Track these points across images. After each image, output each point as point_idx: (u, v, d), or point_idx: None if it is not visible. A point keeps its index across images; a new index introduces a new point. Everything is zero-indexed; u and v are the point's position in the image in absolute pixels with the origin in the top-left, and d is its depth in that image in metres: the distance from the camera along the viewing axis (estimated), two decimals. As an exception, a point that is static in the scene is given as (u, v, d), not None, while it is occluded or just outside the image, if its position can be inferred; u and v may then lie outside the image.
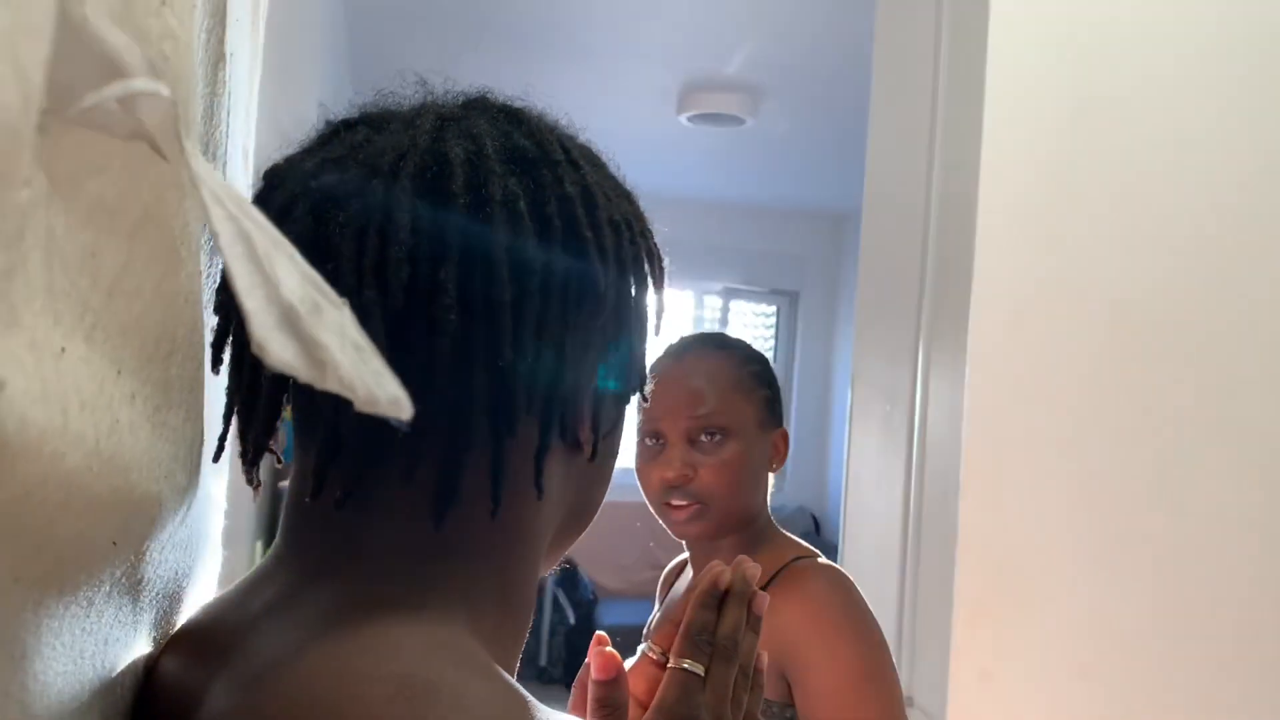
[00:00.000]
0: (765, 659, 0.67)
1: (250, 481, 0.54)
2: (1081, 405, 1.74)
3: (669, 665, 0.61)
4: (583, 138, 0.59)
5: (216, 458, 0.53)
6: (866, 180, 2.30)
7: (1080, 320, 1.75)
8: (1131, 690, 1.74)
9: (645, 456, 1.27)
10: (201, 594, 0.64)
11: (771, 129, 4.17)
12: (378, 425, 0.42)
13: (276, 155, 0.54)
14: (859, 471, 2.29)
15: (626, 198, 0.57)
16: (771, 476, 1.32)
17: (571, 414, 0.53)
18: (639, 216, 0.57)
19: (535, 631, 4.81)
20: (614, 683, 0.61)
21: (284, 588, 0.50)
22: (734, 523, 1.25)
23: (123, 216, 0.30)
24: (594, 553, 5.18)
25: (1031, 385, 1.74)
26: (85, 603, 0.40)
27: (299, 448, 0.53)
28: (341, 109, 0.56)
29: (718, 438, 1.24)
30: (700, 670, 0.60)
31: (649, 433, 1.26)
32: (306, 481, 0.49)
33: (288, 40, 2.28)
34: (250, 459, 0.52)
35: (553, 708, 0.46)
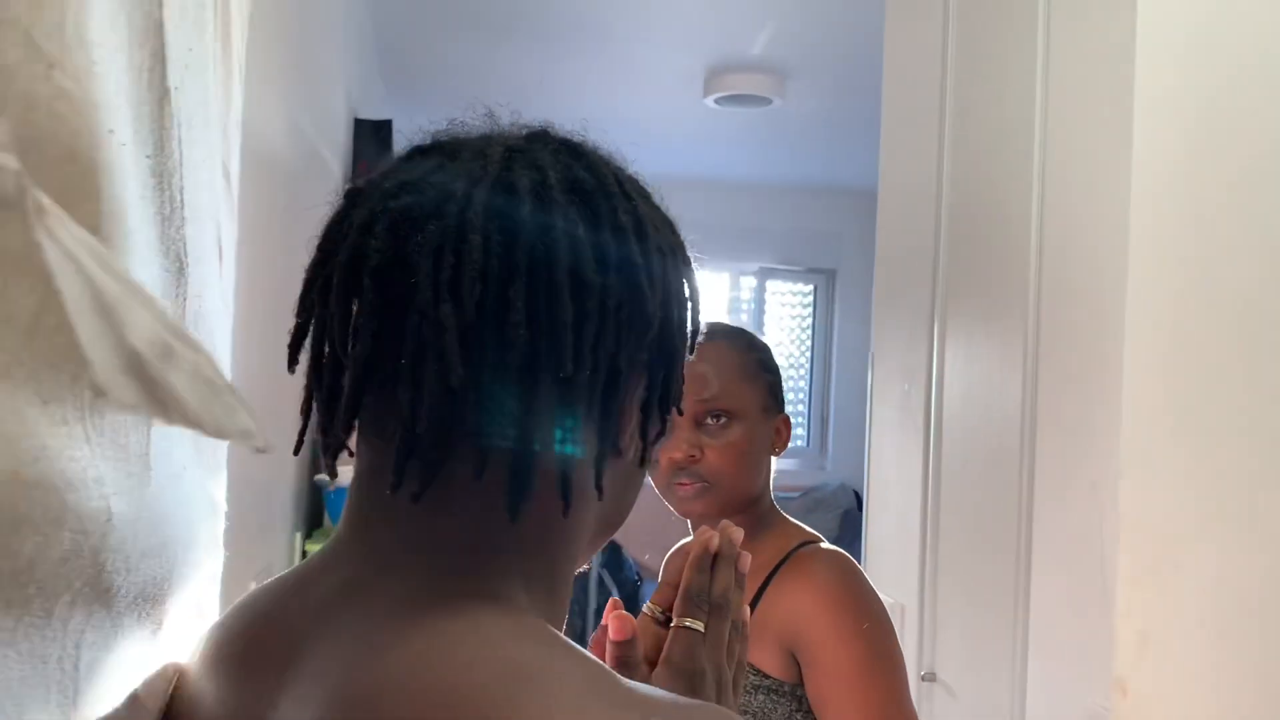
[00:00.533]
0: (748, 612, 0.73)
1: (331, 474, 0.59)
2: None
3: (673, 624, 0.67)
4: (631, 170, 0.64)
5: (297, 451, 0.58)
6: (881, 161, 2.30)
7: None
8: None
9: None
10: (192, 595, 0.68)
11: (799, 108, 4.15)
12: (449, 427, 0.51)
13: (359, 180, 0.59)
14: (880, 449, 2.30)
15: (670, 228, 0.63)
16: (774, 462, 1.36)
17: (623, 422, 0.58)
18: (681, 246, 0.63)
19: (581, 612, 4.87)
20: (630, 643, 0.66)
21: (350, 579, 0.54)
22: (737, 503, 1.29)
23: (30, 261, 0.33)
24: (638, 535, 5.20)
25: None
26: (43, 613, 0.43)
27: (367, 443, 0.57)
28: (419, 135, 0.62)
29: (723, 420, 1.28)
30: (700, 627, 0.66)
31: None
32: (383, 476, 0.53)
33: (309, 42, 2.32)
34: (332, 452, 0.57)
35: None
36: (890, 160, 2.30)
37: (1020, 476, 1.71)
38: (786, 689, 1.19)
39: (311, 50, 2.56)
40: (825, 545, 1.29)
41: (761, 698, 1.19)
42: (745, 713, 1.19)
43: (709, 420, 1.29)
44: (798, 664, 1.20)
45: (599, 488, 0.56)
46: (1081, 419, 1.54)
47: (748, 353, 1.34)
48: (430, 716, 0.44)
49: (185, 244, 0.58)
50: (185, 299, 0.63)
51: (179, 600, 0.63)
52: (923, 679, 2.01)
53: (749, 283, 6.12)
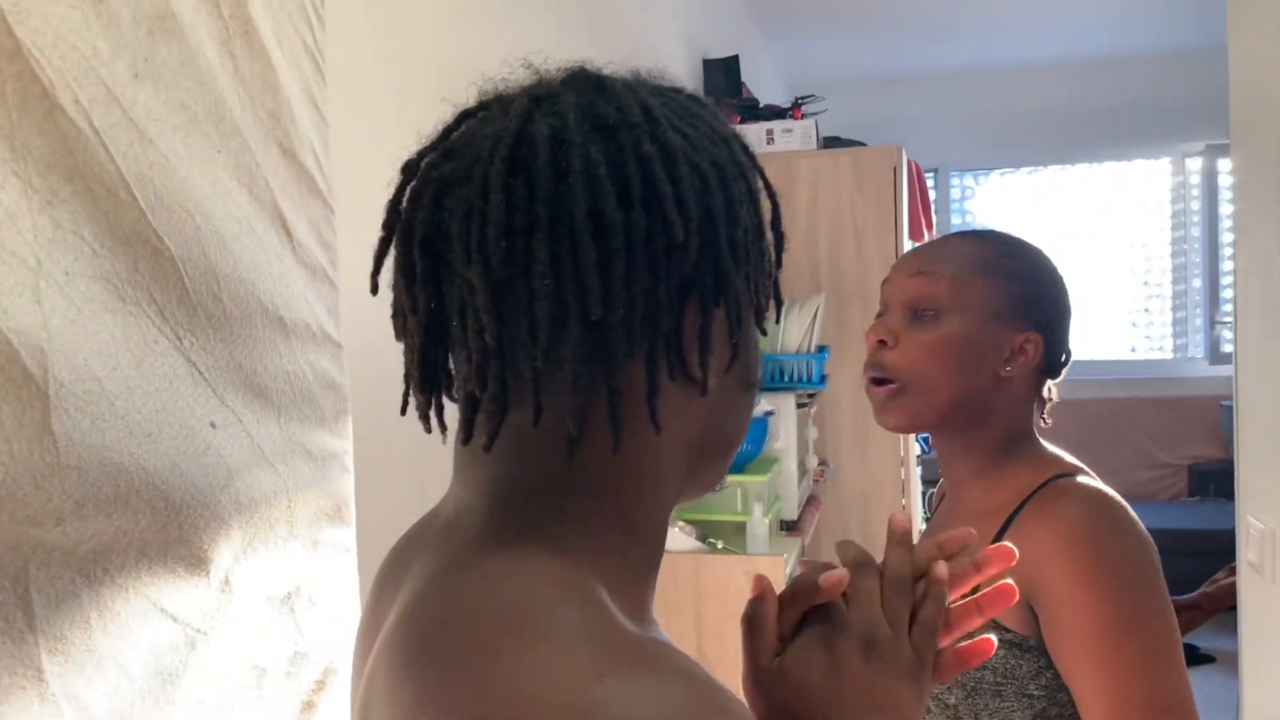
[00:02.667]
0: (943, 569, 0.69)
1: (426, 429, 0.63)
2: None
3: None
4: (686, 89, 0.64)
5: (403, 411, 0.64)
6: (1229, 12, 1.95)
7: None
8: None
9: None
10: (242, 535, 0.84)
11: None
12: (503, 381, 0.56)
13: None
14: (1246, 349, 1.99)
15: (724, 142, 0.61)
16: (1052, 387, 1.17)
17: (675, 354, 0.58)
18: (733, 160, 0.61)
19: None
20: (760, 599, 0.69)
21: (450, 514, 0.64)
22: (942, 415, 1.13)
23: None
24: (1087, 455, 4.88)
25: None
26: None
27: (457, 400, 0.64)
28: (465, 100, 0.65)
29: (932, 314, 1.13)
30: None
31: (880, 304, 1.20)
32: (461, 429, 0.59)
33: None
34: (421, 412, 0.62)
35: None
36: (1245, 9, 1.95)
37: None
38: (1031, 645, 1.04)
39: (643, 10, 2.70)
40: (1084, 480, 1.08)
41: (1003, 653, 1.04)
42: (985, 670, 1.05)
43: (922, 314, 1.13)
44: (1035, 616, 1.03)
45: (655, 423, 0.57)
46: None
47: (1001, 255, 1.16)
48: (433, 644, 0.51)
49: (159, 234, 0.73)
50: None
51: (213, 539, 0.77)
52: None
53: (1195, 165, 5.38)
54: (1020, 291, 1.14)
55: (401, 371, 0.61)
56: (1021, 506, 1.08)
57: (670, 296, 0.56)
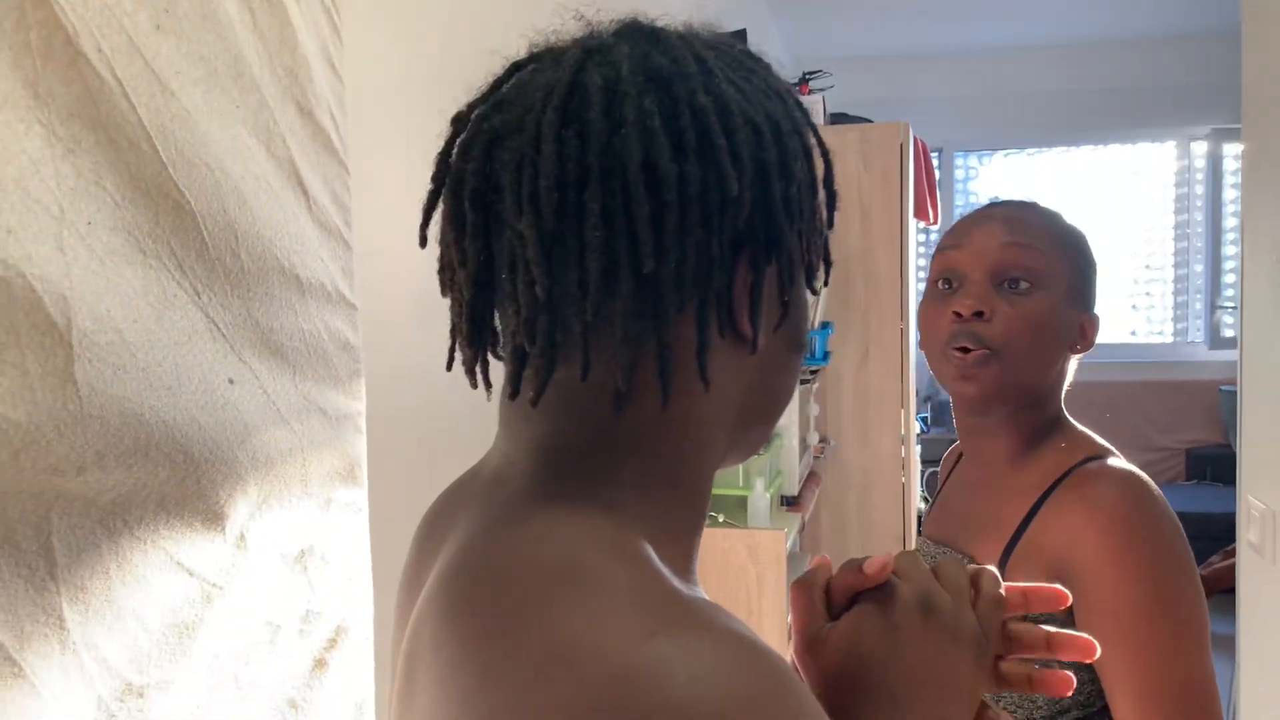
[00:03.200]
0: (995, 576, 0.66)
1: (472, 384, 0.62)
2: None
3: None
4: (739, 44, 0.63)
5: (449, 367, 0.63)
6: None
7: None
8: None
9: (933, 298, 1.15)
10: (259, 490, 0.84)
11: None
12: (552, 335, 0.55)
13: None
14: (1254, 332, 1.99)
15: (778, 96, 0.60)
16: (1073, 363, 1.16)
17: (725, 310, 0.57)
18: (788, 115, 0.60)
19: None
20: (816, 568, 0.67)
21: (496, 469, 0.63)
22: (1020, 391, 1.11)
23: None
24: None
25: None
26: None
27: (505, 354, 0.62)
28: (470, 69, 0.64)
29: (1026, 286, 1.08)
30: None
31: (943, 273, 1.14)
32: (508, 384, 0.58)
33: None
34: (468, 367, 0.61)
35: None
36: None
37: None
38: (1057, 622, 1.04)
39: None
40: (1116, 462, 1.08)
41: None
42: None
43: (1010, 284, 1.09)
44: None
45: (704, 379, 0.56)
46: None
47: (1063, 227, 1.14)
48: (481, 595, 0.51)
49: (178, 186, 0.72)
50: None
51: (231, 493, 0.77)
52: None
53: (1200, 149, 5.37)
54: (1083, 271, 1.14)
55: (411, 334, 0.61)
56: (1054, 487, 1.08)
57: (723, 251, 0.55)
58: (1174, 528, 1.02)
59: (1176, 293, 5.54)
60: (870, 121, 3.26)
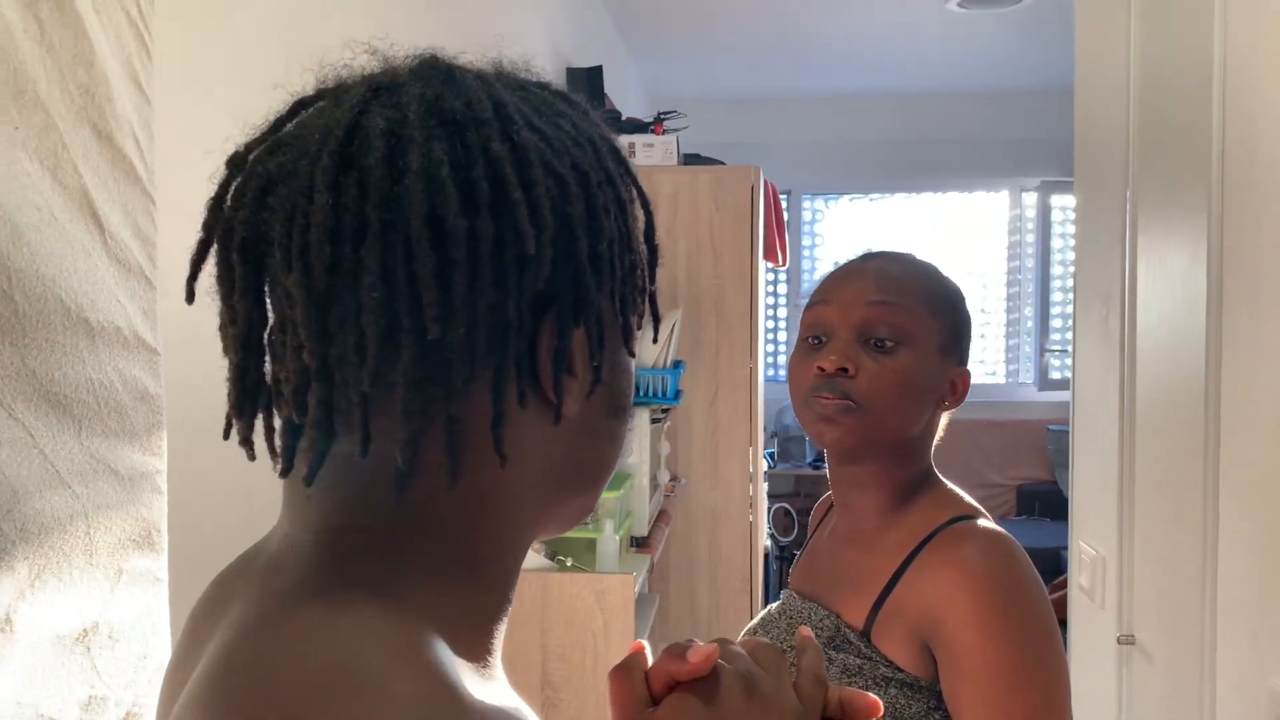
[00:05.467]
0: (818, 659, 0.64)
1: (250, 457, 0.56)
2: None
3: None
4: (554, 85, 0.58)
5: (225, 436, 0.55)
6: (1077, 60, 2.03)
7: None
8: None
9: (802, 353, 1.14)
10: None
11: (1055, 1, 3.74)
12: (327, 406, 0.49)
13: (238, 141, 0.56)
14: (1083, 383, 2.06)
15: (590, 144, 0.55)
16: (943, 420, 1.17)
17: (527, 377, 0.52)
18: (599, 165, 0.55)
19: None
20: (635, 654, 0.60)
21: (275, 552, 0.54)
22: (885, 444, 1.10)
23: None
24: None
25: None
26: None
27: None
28: (303, 87, 0.57)
29: (890, 345, 1.08)
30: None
31: (811, 330, 1.14)
32: (281, 459, 0.52)
33: (502, 8, 2.37)
34: (240, 436, 0.54)
35: None
36: (1085, 52, 2.03)
37: (1205, 411, 1.48)
38: (923, 685, 1.02)
39: (508, 13, 2.63)
40: (983, 522, 1.08)
41: (894, 692, 1.02)
42: None
43: (875, 341, 1.08)
44: (933, 658, 1.02)
45: (501, 454, 0.51)
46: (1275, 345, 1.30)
47: (940, 284, 1.15)
48: (248, 705, 0.43)
49: None
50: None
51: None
52: (1119, 642, 1.80)
53: (1031, 199, 5.66)
54: (955, 326, 1.14)
55: (224, 381, 0.53)
56: (922, 546, 1.06)
57: (521, 314, 0.50)
58: (1039, 591, 1.02)
59: (1009, 335, 5.80)
60: (722, 163, 3.28)
